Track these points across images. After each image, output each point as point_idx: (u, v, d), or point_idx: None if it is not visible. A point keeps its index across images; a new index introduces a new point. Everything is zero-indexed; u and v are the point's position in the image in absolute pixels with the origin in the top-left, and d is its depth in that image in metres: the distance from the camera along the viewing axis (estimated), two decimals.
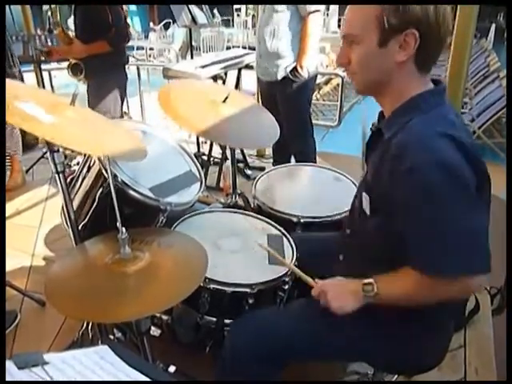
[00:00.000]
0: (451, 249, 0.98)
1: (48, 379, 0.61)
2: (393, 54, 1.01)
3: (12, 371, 0.60)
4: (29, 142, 3.73)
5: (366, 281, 1.11)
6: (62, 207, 1.36)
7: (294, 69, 2.71)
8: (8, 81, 1.20)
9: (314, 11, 2.58)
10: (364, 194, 1.15)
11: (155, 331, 1.46)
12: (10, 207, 3.11)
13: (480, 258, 0.99)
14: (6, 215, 2.99)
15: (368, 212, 1.14)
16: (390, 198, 1.03)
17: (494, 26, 10.55)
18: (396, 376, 1.62)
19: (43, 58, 3.44)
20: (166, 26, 12.66)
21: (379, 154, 1.09)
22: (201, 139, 3.67)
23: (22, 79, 3.21)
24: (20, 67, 3.26)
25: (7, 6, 7.24)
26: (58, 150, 1.20)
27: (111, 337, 1.49)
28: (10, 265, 2.42)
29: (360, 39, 1.03)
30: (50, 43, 3.56)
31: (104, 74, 2.92)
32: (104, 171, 1.45)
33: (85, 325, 1.66)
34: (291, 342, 1.19)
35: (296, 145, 2.97)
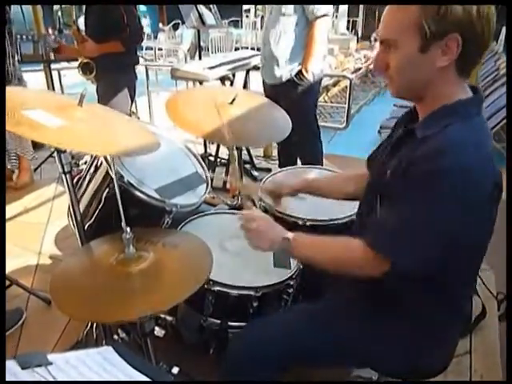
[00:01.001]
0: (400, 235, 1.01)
1: (51, 380, 0.61)
2: (434, 60, 0.98)
3: (15, 371, 0.60)
4: (37, 141, 3.74)
5: (285, 236, 1.16)
6: (69, 207, 1.37)
7: (300, 72, 2.70)
8: (14, 88, 1.21)
9: (322, 16, 2.57)
10: (378, 196, 1.13)
11: (159, 332, 1.46)
12: (18, 205, 3.14)
13: (410, 259, 1.01)
14: (14, 213, 3.02)
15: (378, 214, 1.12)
16: (398, 188, 1.03)
17: (504, 28, 10.46)
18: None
19: (52, 58, 3.47)
20: (175, 27, 12.70)
21: (408, 152, 1.06)
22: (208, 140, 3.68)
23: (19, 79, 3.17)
24: (19, 67, 3.24)
25: (19, 6, 7.32)
26: (65, 151, 1.21)
27: (115, 337, 1.49)
28: (17, 263, 2.44)
29: (399, 44, 0.99)
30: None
31: (114, 74, 2.94)
32: (110, 171, 1.46)
33: (89, 324, 1.67)
34: (293, 349, 1.19)
35: (302, 147, 2.96)
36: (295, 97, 2.76)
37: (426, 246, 1.00)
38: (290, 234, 1.17)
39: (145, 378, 0.66)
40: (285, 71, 2.73)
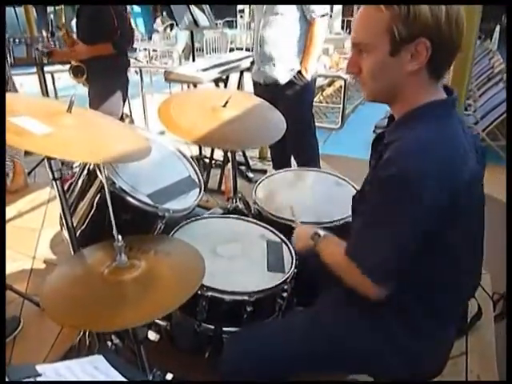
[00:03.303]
0: (372, 249, 1.04)
1: None
2: (405, 64, 0.98)
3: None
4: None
5: (318, 231, 1.28)
6: (60, 214, 1.35)
7: (299, 72, 2.70)
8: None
9: (322, 15, 2.57)
10: (356, 199, 1.19)
11: (154, 336, 1.45)
12: (12, 209, 3.12)
13: (382, 271, 1.04)
14: (8, 217, 3.00)
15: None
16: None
17: (498, 27, 10.48)
18: None
19: (45, 61, 3.45)
20: (170, 28, 12.68)
21: (376, 157, 1.07)
22: None
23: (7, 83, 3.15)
24: (9, 70, 3.23)
25: (12, 9, 7.29)
26: (55, 158, 1.20)
27: (109, 343, 1.48)
28: (11, 267, 2.43)
29: (371, 48, 1.00)
30: (52, 45, 3.56)
31: (106, 77, 2.93)
32: (100, 177, 1.45)
33: (82, 331, 1.65)
34: (288, 355, 1.19)
35: (298, 148, 2.96)
36: (294, 97, 2.75)
37: (382, 249, 1.03)
38: (322, 232, 1.28)
39: None
40: (284, 72, 2.72)
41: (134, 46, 10.63)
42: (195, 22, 3.30)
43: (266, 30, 2.69)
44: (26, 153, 3.48)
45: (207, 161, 3.48)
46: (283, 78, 2.73)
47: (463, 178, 0.97)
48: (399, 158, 0.96)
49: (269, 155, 3.99)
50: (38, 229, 2.89)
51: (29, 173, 3.62)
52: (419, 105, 1.03)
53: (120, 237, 1.15)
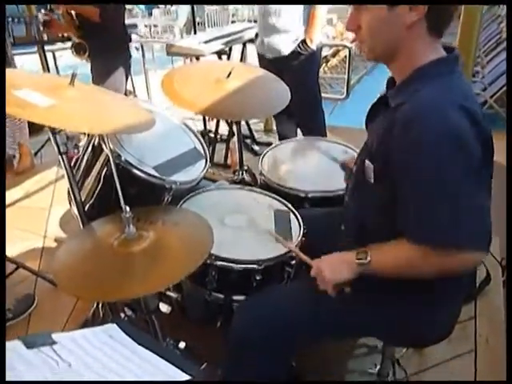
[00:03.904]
0: (450, 222, 0.96)
1: (56, 358, 0.62)
2: (403, 16, 0.97)
3: (21, 351, 0.60)
4: (36, 125, 3.73)
5: (361, 250, 1.11)
6: (68, 189, 1.36)
7: (303, 42, 2.66)
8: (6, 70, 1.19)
9: None
10: (367, 162, 1.11)
11: (165, 308, 1.47)
12: (20, 190, 3.14)
13: (478, 234, 0.98)
14: (17, 198, 3.02)
15: (372, 180, 1.10)
16: (397, 166, 1.01)
17: None
18: (405, 349, 1.63)
19: (45, 39, 3.41)
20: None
21: (384, 122, 1.06)
22: (207, 116, 3.65)
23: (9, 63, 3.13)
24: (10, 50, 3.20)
25: None
26: (60, 132, 1.19)
27: (122, 315, 1.51)
28: (23, 247, 2.46)
29: (370, 5, 0.99)
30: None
31: (107, 54, 2.89)
32: (106, 150, 1.45)
33: (96, 304, 1.68)
34: (297, 320, 1.20)
35: (305, 119, 2.94)
36: (299, 67, 2.73)
37: (461, 214, 0.96)
38: (361, 249, 1.11)
39: (150, 354, 0.66)
40: (289, 42, 2.68)
41: (134, 21, 10.48)
42: None
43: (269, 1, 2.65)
44: (31, 133, 3.48)
45: (212, 135, 3.47)
46: (288, 48, 2.69)
47: (486, 126, 0.97)
48: (419, 116, 0.94)
49: (274, 128, 3.97)
50: (47, 208, 2.91)
51: (35, 153, 3.62)
52: (420, 65, 1.01)
53: (128, 208, 1.15)
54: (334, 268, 1.14)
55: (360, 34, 1.05)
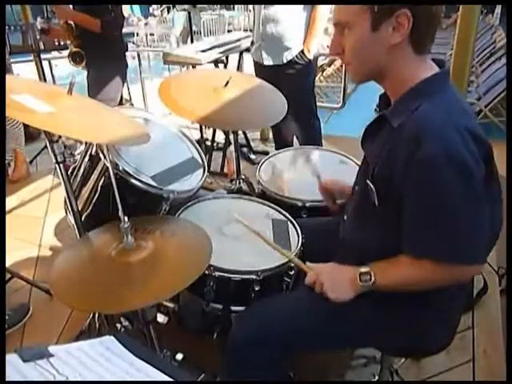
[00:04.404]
0: (448, 237, 0.99)
1: (53, 371, 0.61)
2: (387, 38, 0.98)
3: (17, 364, 0.59)
4: (31, 133, 3.72)
5: (363, 270, 1.11)
6: (65, 198, 1.35)
7: (301, 51, 2.68)
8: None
9: None
10: (369, 183, 1.11)
11: (162, 319, 1.46)
12: (15, 198, 3.12)
13: (474, 249, 1.00)
14: (12, 206, 3.00)
15: (376, 202, 1.10)
16: (400, 187, 1.01)
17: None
18: (403, 360, 1.62)
19: (42, 47, 3.41)
20: (167, 11, 12.51)
21: (384, 142, 1.06)
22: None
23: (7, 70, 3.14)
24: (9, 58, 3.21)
25: None
26: (58, 141, 1.19)
27: (118, 325, 1.49)
28: (17, 255, 2.44)
29: (351, 25, 1.00)
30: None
31: (105, 63, 2.90)
32: (104, 160, 1.44)
33: (92, 314, 1.67)
34: (295, 331, 1.19)
35: (301, 128, 2.95)
36: (296, 75, 2.74)
37: (457, 234, 0.99)
38: (364, 268, 1.12)
39: (148, 367, 0.66)
40: (286, 51, 2.70)
41: (130, 30, 10.52)
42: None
43: (270, 9, 2.66)
44: (26, 141, 3.48)
45: (209, 144, 3.47)
46: (285, 57, 2.71)
47: (487, 142, 0.98)
48: (428, 134, 0.94)
49: (270, 136, 3.98)
50: (42, 217, 2.90)
51: (30, 161, 3.61)
52: (415, 82, 1.02)
53: (126, 218, 1.14)
54: (336, 286, 1.15)
55: (344, 57, 1.06)
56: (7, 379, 0.56)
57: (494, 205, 1.06)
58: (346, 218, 1.30)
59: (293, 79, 2.73)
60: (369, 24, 0.98)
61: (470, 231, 0.99)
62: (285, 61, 2.71)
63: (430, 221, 1.00)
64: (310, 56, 2.69)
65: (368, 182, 1.11)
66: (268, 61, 2.79)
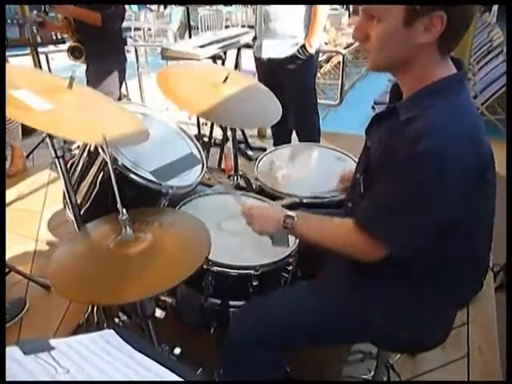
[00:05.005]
0: (393, 220, 1.04)
1: (54, 364, 0.61)
2: (416, 36, 0.95)
3: (18, 357, 0.60)
4: (28, 127, 3.69)
5: (289, 213, 1.18)
6: (64, 192, 1.35)
7: (303, 47, 2.69)
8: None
9: None
10: (358, 175, 1.14)
11: (160, 313, 1.46)
12: (12, 193, 3.11)
13: (392, 230, 1.04)
14: (9, 201, 2.99)
15: (362, 190, 1.13)
16: (388, 165, 1.02)
17: None
18: (399, 355, 1.64)
19: (39, 41, 3.39)
20: (164, 6, 12.42)
21: (388, 132, 1.06)
22: (201, 121, 3.65)
23: None
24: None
25: None
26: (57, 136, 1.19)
27: (116, 320, 1.50)
28: (14, 250, 2.43)
29: (383, 17, 0.96)
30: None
31: (104, 57, 2.90)
32: (103, 155, 1.44)
33: (90, 308, 1.67)
34: (293, 327, 1.20)
35: (300, 123, 2.96)
36: (297, 70, 2.76)
37: (411, 230, 1.03)
38: (292, 212, 1.18)
39: (147, 360, 0.66)
40: (288, 47, 2.71)
41: (127, 25, 10.43)
42: None
43: (270, 6, 2.67)
44: (23, 135, 3.46)
45: (206, 140, 3.47)
46: (287, 52, 2.73)
47: (487, 151, 0.99)
48: (431, 133, 0.94)
49: (268, 133, 3.98)
50: (39, 211, 2.89)
51: (27, 156, 3.60)
52: (434, 80, 1.01)
53: (124, 210, 1.14)
54: (262, 220, 1.23)
55: (367, 44, 1.02)
56: (7, 371, 0.57)
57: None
58: (350, 204, 1.30)
59: (294, 74, 2.76)
60: (402, 18, 0.94)
61: (404, 215, 1.02)
62: (286, 56, 2.73)
63: (389, 204, 1.04)
64: (312, 51, 2.70)
65: (358, 174, 1.15)
66: (269, 56, 2.80)
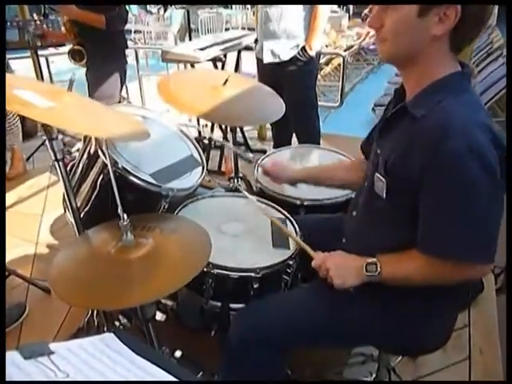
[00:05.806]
0: (468, 236, 0.99)
1: (54, 368, 0.61)
2: (430, 27, 0.96)
3: (18, 362, 0.59)
4: (28, 130, 3.70)
5: (370, 260, 1.11)
6: (64, 195, 1.35)
7: (303, 49, 2.70)
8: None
9: None
10: (378, 175, 1.11)
11: (160, 316, 1.46)
12: (12, 195, 3.11)
13: (487, 248, 1.00)
14: (9, 204, 2.99)
15: (384, 195, 1.10)
16: (416, 179, 1.00)
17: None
18: (400, 358, 1.63)
19: (39, 44, 3.40)
20: (164, 9, 12.43)
21: (405, 134, 1.05)
22: (201, 123, 3.65)
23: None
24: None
25: None
26: (57, 138, 1.18)
27: (117, 323, 1.49)
28: (14, 253, 2.43)
29: (399, 5, 0.98)
30: (45, 27, 3.49)
31: (105, 60, 2.90)
32: (103, 157, 1.44)
33: (90, 312, 1.67)
34: (294, 329, 1.20)
35: (301, 125, 2.96)
36: (297, 72, 2.76)
37: (483, 234, 1.00)
38: (370, 258, 1.12)
39: (148, 363, 0.66)
40: (288, 48, 2.71)
41: (128, 27, 10.43)
42: None
43: (271, 7, 2.68)
44: (23, 138, 3.46)
45: (206, 142, 3.46)
46: (287, 54, 2.72)
47: (503, 144, 0.98)
48: (456, 130, 0.93)
49: (268, 135, 3.98)
50: (39, 214, 2.89)
51: (27, 158, 3.60)
52: (442, 75, 1.01)
53: (125, 215, 1.14)
54: (342, 272, 1.14)
55: (381, 32, 1.03)
56: (7, 377, 0.56)
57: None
58: (354, 213, 1.29)
59: (294, 75, 2.76)
60: (417, 8, 0.96)
61: (490, 231, 0.99)
62: (287, 58, 2.73)
63: (450, 218, 0.99)
64: (312, 53, 2.71)
65: (377, 174, 1.11)
66: (270, 58, 2.80)
